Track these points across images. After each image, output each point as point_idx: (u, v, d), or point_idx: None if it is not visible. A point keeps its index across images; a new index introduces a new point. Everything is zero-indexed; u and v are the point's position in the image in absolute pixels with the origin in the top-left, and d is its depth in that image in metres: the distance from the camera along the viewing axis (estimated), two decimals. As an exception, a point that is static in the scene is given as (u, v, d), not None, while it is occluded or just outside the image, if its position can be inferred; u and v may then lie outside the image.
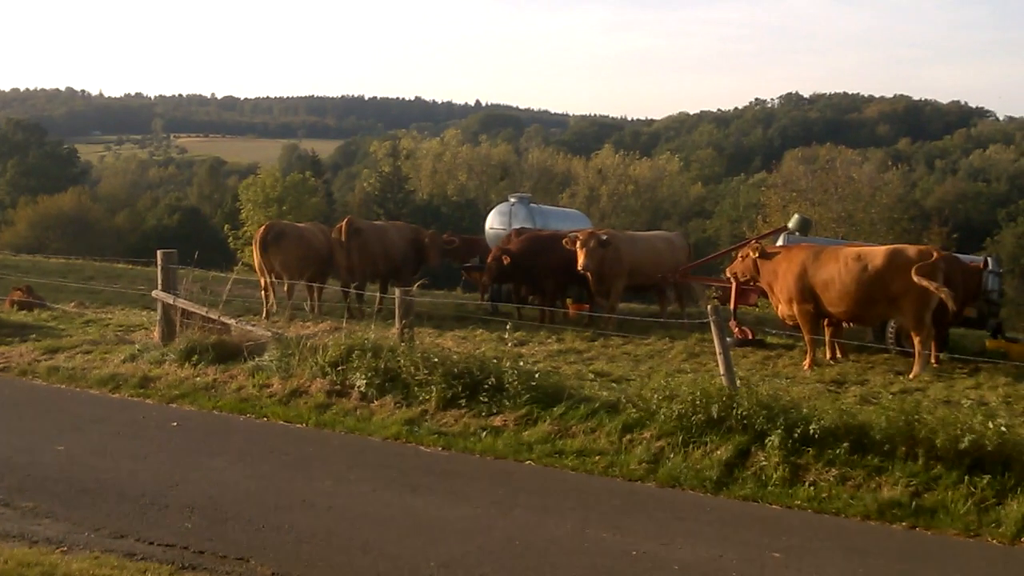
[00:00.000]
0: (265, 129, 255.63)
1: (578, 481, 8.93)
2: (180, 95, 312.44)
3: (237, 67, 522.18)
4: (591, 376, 12.52)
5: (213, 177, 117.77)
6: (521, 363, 11.28)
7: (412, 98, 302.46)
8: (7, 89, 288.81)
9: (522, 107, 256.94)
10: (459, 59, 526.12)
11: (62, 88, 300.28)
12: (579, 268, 17.19)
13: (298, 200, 63.61)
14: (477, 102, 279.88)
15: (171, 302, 14.31)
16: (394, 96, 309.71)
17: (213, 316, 13.87)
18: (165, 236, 63.92)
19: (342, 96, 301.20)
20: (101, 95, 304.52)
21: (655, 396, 9.97)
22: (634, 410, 9.99)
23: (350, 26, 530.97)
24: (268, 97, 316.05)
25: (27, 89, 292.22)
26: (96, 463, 9.14)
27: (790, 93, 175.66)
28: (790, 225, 17.87)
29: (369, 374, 11.37)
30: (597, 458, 9.39)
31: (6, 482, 8.33)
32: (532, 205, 24.48)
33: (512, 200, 24.34)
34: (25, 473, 8.66)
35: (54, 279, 25.12)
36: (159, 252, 14.99)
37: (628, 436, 9.72)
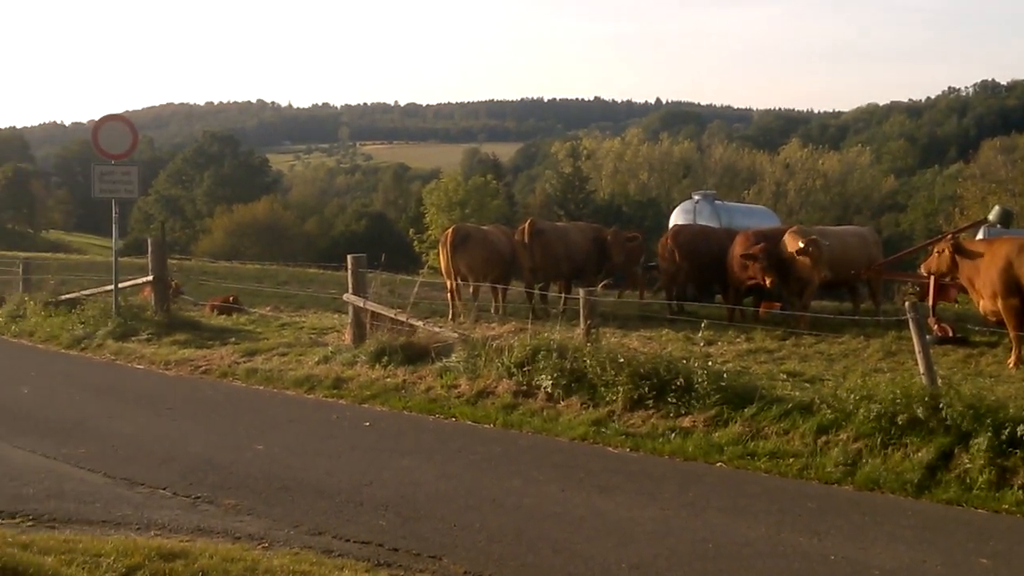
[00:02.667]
0: (447, 134, 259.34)
1: (771, 483, 8.74)
2: (365, 104, 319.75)
3: (419, 75, 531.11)
4: (783, 376, 12.20)
5: (397, 183, 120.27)
6: (710, 363, 11.12)
7: (591, 98, 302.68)
8: (202, 103, 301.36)
9: (703, 103, 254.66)
10: (638, 57, 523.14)
11: (253, 100, 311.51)
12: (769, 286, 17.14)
13: (480, 203, 64.32)
14: (657, 100, 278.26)
15: (362, 305, 14.63)
16: (573, 97, 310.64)
17: (401, 318, 14.13)
18: (353, 241, 65.48)
19: (521, 99, 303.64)
20: (290, 106, 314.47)
21: (851, 396, 9.66)
22: (829, 411, 9.70)
23: (529, 30, 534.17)
24: (449, 103, 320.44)
25: (221, 102, 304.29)
26: (293, 462, 9.40)
27: (985, 80, 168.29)
28: (990, 217, 17.21)
29: (555, 375, 11.38)
30: (791, 460, 9.17)
31: (210, 480, 8.64)
32: (717, 202, 24.23)
33: (696, 198, 24.12)
34: (227, 471, 8.96)
35: (250, 284, 26.03)
36: (349, 257, 15.35)
37: (823, 438, 9.46)
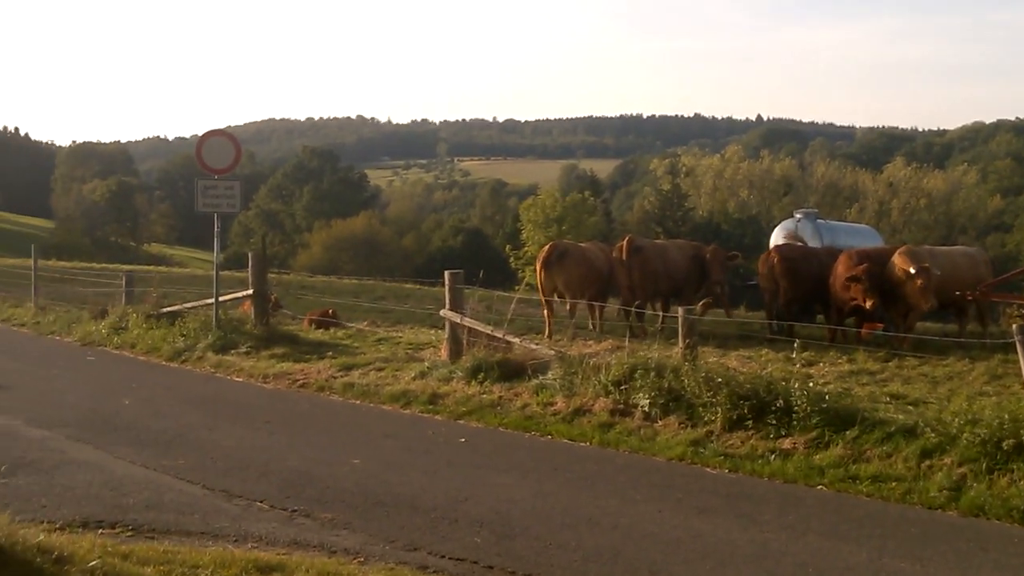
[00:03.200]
0: (545, 150, 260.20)
1: (873, 508, 8.51)
2: (463, 120, 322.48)
3: (517, 91, 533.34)
4: (886, 398, 11.96)
5: (494, 198, 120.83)
6: (811, 384, 10.91)
7: (691, 115, 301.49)
8: (303, 119, 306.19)
9: (805, 120, 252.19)
10: (739, 74, 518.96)
11: (353, 116, 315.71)
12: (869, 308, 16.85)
13: (577, 219, 64.37)
14: (758, 117, 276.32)
15: (459, 321, 14.64)
16: (672, 114, 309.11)
17: (498, 335, 14.11)
18: (449, 257, 65.85)
19: (620, 115, 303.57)
20: (389, 122, 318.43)
21: (956, 420, 9.40)
22: (933, 434, 9.44)
23: (627, 46, 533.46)
24: (548, 119, 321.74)
25: (321, 118, 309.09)
26: (389, 477, 9.40)
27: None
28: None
29: (652, 394, 11.26)
30: (893, 484, 8.92)
31: (307, 493, 8.67)
32: (819, 221, 23.88)
33: (798, 216, 23.81)
34: (324, 485, 8.98)
35: (347, 299, 26.27)
36: (446, 273, 15.37)
37: (927, 462, 9.20)
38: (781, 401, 10.38)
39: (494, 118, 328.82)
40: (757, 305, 24.51)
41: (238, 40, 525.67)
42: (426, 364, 14.53)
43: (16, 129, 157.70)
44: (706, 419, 10.73)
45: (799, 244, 21.65)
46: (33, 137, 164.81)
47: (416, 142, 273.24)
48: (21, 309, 24.34)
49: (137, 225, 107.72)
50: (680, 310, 12.80)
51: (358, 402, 13.37)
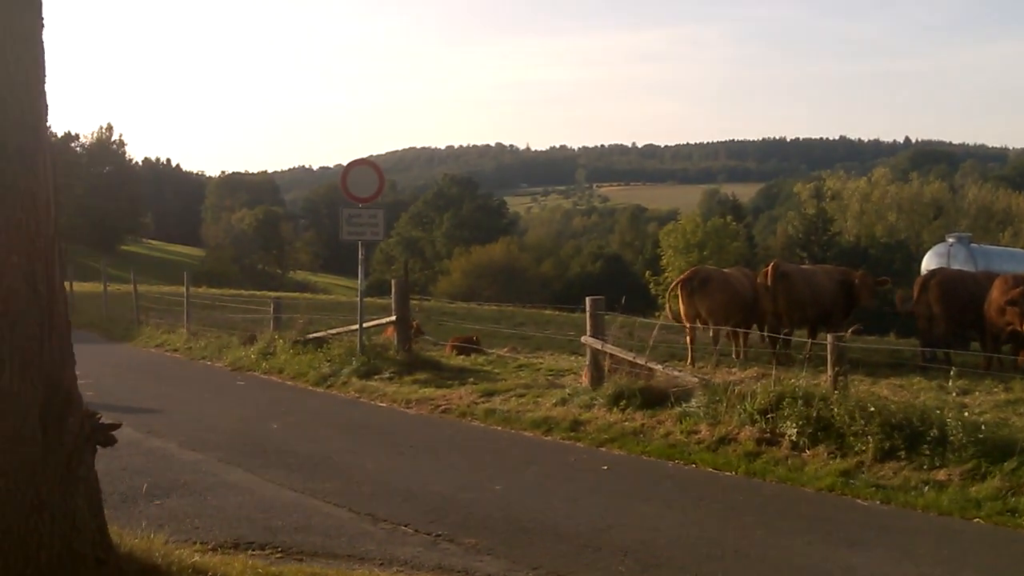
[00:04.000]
0: (685, 175, 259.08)
1: (1034, 543, 8.17)
2: (602, 146, 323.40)
3: (656, 116, 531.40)
4: (1044, 429, 11.50)
5: (634, 224, 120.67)
6: (966, 413, 10.55)
7: (836, 137, 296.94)
8: (443, 147, 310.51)
9: (955, 142, 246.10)
10: (886, 95, 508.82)
11: (492, 144, 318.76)
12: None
13: (719, 245, 63.79)
14: (906, 139, 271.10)
15: (600, 347, 14.57)
16: (817, 136, 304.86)
17: (640, 361, 13.97)
18: (588, 283, 65.86)
19: (763, 139, 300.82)
20: (528, 149, 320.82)
21: (1121, 452, 8.99)
22: (1096, 467, 9.04)
23: (768, 69, 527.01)
24: (688, 144, 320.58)
25: (460, 146, 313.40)
26: (532, 503, 9.37)
27: None
28: None
29: (800, 422, 11.00)
30: (1055, 519, 8.56)
31: (450, 519, 8.69)
32: (973, 245, 23.22)
33: (950, 240, 23.23)
34: (467, 511, 9.00)
35: (487, 325, 26.40)
36: (588, 299, 15.30)
37: (1089, 496, 8.80)
38: (935, 431, 10.06)
39: (633, 143, 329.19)
40: (908, 332, 23.89)
41: (380, 72, 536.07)
42: (567, 391, 14.48)
43: (168, 160, 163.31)
44: (856, 449, 10.44)
45: (955, 268, 21.06)
46: (184, 168, 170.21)
47: (555, 169, 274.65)
48: (174, 335, 25.06)
49: (283, 253, 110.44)
50: (829, 337, 12.51)
51: (500, 428, 13.38)
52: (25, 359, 5.17)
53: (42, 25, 5.31)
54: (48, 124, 5.39)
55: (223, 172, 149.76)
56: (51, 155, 5.34)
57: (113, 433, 5.71)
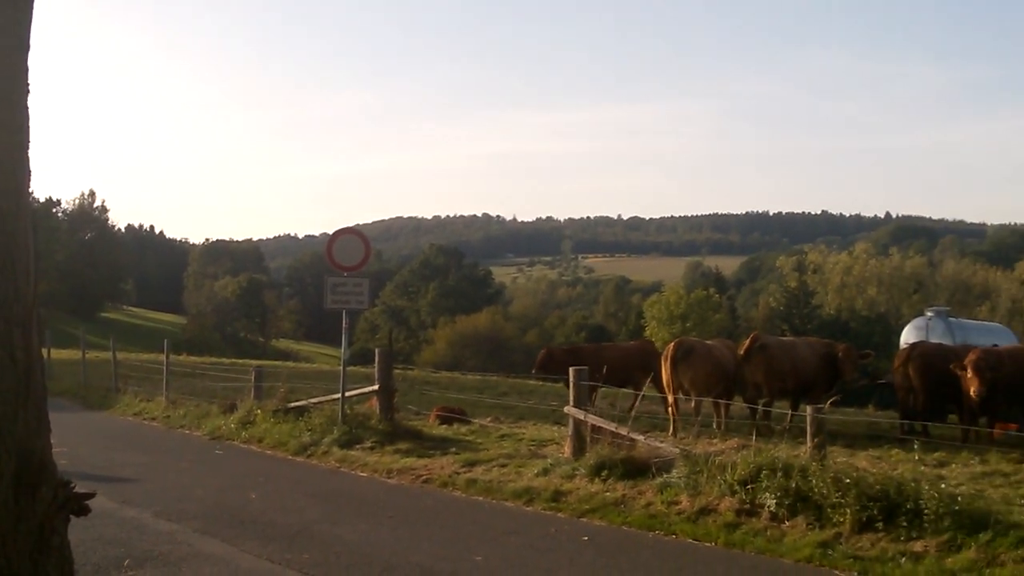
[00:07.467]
0: (669, 247, 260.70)
1: (1012, 616, 8.18)
2: (588, 217, 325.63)
3: (642, 189, 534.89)
4: (1020, 501, 11.53)
5: (618, 295, 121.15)
6: (942, 485, 10.58)
7: (818, 212, 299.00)
8: (429, 217, 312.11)
9: (935, 217, 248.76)
10: (868, 171, 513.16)
11: (479, 214, 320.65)
12: (973, 395, 16.50)
13: (702, 316, 64.15)
14: (887, 214, 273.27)
15: (582, 418, 14.59)
16: (799, 211, 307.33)
17: (622, 432, 13.99)
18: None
19: (746, 212, 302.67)
20: (515, 219, 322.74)
21: (1097, 524, 9.02)
22: (1072, 539, 9.07)
23: (750, 144, 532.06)
24: (672, 216, 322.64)
25: (447, 216, 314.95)
26: (512, 574, 9.33)
27: None
28: None
29: (779, 494, 11.00)
30: (1030, 590, 8.57)
31: (427, 589, 8.65)
32: (951, 319, 23.40)
33: (929, 314, 23.40)
34: (445, 582, 8.96)
35: (471, 395, 26.37)
36: (571, 369, 15.34)
37: (1068, 568, 8.82)
38: (912, 503, 10.08)
39: (618, 215, 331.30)
40: (886, 404, 23.98)
41: (366, 141, 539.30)
42: (549, 461, 14.46)
43: (152, 227, 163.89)
44: (834, 520, 10.44)
45: (934, 342, 21.23)
46: (168, 235, 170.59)
47: (541, 239, 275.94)
48: (152, 403, 24.96)
49: (266, 321, 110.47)
50: (808, 408, 12.57)
51: (481, 498, 13.34)
52: (-1, 427, 5.15)
53: (28, 90, 5.36)
54: (31, 189, 5.42)
55: (207, 239, 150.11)
56: (32, 220, 5.36)
57: (87, 502, 5.67)
